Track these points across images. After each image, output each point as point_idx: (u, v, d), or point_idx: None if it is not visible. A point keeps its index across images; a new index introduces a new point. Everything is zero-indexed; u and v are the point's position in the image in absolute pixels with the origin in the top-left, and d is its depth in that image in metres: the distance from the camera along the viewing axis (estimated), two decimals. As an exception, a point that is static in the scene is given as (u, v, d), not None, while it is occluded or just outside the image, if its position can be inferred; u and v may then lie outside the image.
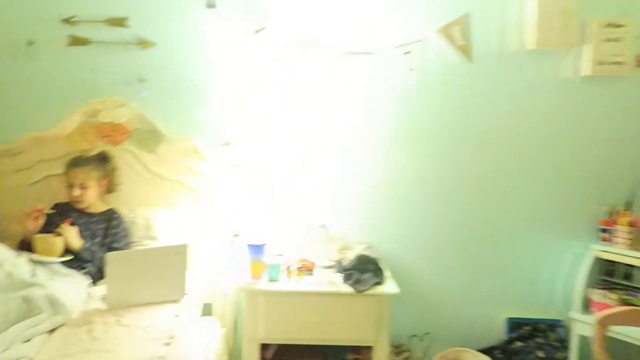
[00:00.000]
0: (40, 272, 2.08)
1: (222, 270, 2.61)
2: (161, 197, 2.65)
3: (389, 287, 2.34)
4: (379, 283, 2.34)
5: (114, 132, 2.62)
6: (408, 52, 2.64)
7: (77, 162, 2.48)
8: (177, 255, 2.06)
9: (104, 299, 2.03)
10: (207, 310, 2.52)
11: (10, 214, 2.52)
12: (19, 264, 2.03)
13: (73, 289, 2.06)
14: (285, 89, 2.66)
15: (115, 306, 1.98)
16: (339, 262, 2.53)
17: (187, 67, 2.66)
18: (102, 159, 2.56)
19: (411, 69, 2.66)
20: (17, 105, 2.64)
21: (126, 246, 2.43)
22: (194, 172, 2.65)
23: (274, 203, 2.70)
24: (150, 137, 2.63)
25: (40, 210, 2.30)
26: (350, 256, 2.54)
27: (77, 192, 2.42)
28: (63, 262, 2.19)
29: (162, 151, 2.64)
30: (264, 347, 2.44)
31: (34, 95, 2.64)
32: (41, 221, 2.30)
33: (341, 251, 2.63)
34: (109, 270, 1.99)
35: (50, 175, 2.61)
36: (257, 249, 2.37)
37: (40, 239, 2.21)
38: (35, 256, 2.14)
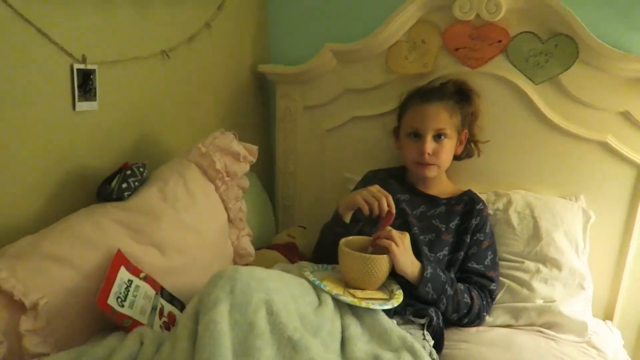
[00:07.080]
0: (346, 324, 1.01)
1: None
2: (560, 173, 1.38)
3: None
4: None
5: (478, 41, 1.36)
6: None
7: (425, 95, 1.32)
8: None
9: None
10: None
11: (302, 182, 1.67)
12: (297, 294, 0.96)
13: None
14: None
15: None
16: None
17: None
18: (458, 94, 1.35)
19: None
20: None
21: (492, 271, 1.24)
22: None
23: None
24: (555, 52, 1.30)
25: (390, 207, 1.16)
26: None
27: (430, 146, 1.27)
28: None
29: (573, 82, 1.30)
30: None
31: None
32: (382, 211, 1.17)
33: None
34: None
35: (358, 117, 1.54)
36: None
37: (366, 261, 1.06)
38: (340, 291, 1.05)
